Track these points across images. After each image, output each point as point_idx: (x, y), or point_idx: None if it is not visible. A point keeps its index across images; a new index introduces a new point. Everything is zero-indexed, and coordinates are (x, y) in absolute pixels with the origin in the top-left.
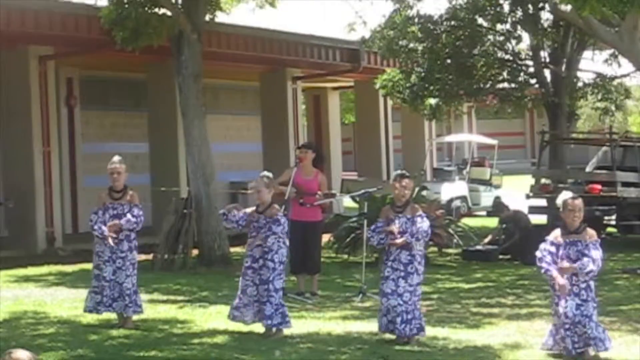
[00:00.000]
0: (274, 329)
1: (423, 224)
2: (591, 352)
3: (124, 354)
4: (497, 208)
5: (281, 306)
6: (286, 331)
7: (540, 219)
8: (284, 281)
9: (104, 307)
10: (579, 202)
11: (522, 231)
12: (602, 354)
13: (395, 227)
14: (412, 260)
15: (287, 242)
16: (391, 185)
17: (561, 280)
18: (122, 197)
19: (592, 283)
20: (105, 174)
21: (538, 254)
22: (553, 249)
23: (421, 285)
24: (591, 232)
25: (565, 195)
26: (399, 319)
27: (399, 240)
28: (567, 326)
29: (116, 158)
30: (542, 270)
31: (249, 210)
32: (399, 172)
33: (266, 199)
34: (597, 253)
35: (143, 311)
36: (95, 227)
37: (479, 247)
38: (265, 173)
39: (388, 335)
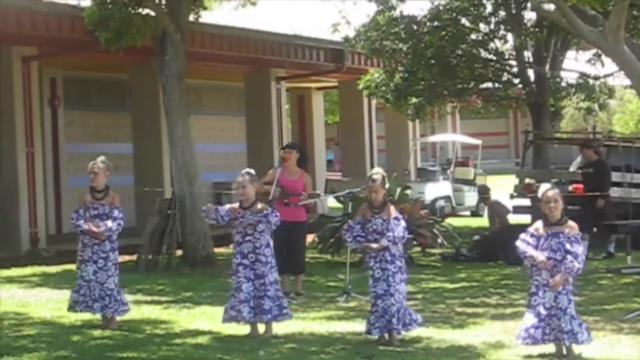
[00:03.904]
0: (261, 330)
1: (398, 227)
2: (576, 351)
3: (106, 354)
4: (483, 190)
5: (278, 298)
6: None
7: (524, 219)
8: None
9: (84, 306)
10: (553, 193)
11: (500, 220)
12: (583, 350)
13: (375, 245)
14: (394, 259)
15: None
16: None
17: (541, 256)
18: (103, 197)
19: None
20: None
21: (517, 242)
22: (532, 240)
23: (405, 282)
24: (572, 224)
25: (542, 188)
26: (394, 319)
27: (375, 245)
28: (542, 317)
29: (99, 158)
30: (521, 254)
31: (231, 206)
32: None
33: (251, 196)
34: (579, 247)
35: (129, 309)
36: (78, 223)
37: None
38: (248, 170)
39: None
